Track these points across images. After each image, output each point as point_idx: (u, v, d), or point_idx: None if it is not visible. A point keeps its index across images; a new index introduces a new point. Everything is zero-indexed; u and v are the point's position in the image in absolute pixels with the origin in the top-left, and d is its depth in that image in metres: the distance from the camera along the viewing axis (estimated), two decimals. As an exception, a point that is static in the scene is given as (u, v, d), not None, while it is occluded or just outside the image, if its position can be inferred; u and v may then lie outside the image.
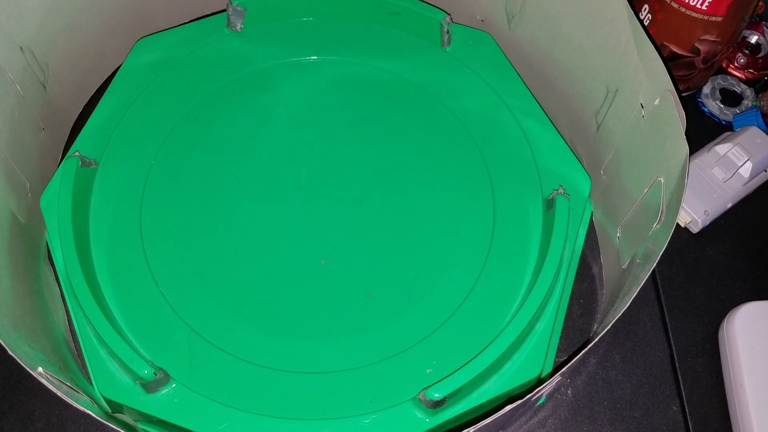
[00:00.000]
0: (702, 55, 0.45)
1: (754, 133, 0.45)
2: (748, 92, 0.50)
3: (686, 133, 0.32)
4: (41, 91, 0.41)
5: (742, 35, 0.51)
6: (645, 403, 0.38)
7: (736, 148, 0.44)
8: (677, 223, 0.40)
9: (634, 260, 0.36)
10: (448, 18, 0.44)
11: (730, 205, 0.44)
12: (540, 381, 0.35)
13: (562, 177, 0.40)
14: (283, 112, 0.43)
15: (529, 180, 0.40)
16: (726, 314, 0.40)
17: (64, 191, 0.37)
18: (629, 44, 0.36)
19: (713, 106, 0.49)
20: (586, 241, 0.41)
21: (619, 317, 0.30)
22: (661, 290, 0.42)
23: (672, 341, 0.40)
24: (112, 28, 0.45)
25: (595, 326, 0.40)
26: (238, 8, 0.45)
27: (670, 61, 0.45)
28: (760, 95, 0.49)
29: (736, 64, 0.50)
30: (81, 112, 0.46)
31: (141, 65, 0.44)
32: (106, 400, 0.34)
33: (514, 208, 0.40)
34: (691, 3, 0.41)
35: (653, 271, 0.40)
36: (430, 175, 0.41)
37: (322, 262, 0.38)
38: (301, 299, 0.37)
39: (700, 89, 0.50)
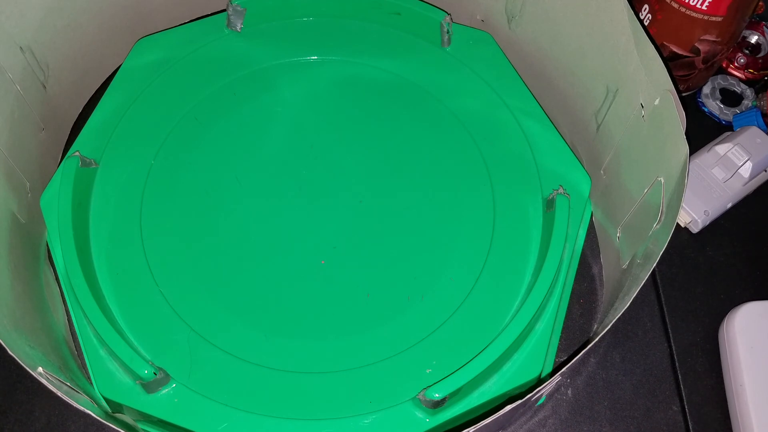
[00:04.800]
0: (702, 55, 0.45)
1: (754, 133, 0.45)
2: (748, 92, 0.50)
3: (686, 133, 0.32)
4: (41, 91, 0.41)
5: (742, 35, 0.51)
6: (645, 403, 0.38)
7: (736, 148, 0.44)
8: (677, 223, 0.40)
9: (634, 260, 0.36)
10: (448, 18, 0.44)
11: (730, 205, 0.44)
12: (540, 381, 0.35)
13: (562, 177, 0.40)
14: (283, 112, 0.43)
15: (529, 180, 0.40)
16: (726, 314, 0.40)
17: (64, 191, 0.37)
18: (629, 44, 0.36)
19: (713, 106, 0.49)
20: (586, 241, 0.41)
21: (619, 317, 0.30)
22: (661, 290, 0.42)
23: (672, 341, 0.40)
24: (112, 28, 0.45)
25: (595, 326, 0.40)
26: (238, 8, 0.45)
27: (670, 61, 0.45)
28: (760, 95, 0.49)
29: (736, 64, 0.50)
30: (81, 112, 0.46)
31: (141, 65, 0.44)
32: (106, 400, 0.34)
33: (514, 208, 0.40)
34: (691, 3, 0.41)
35: (653, 271, 0.40)
36: (430, 175, 0.41)
37: (322, 262, 0.38)
38: (301, 299, 0.37)
39: (700, 89, 0.50)
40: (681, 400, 0.39)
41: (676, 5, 0.42)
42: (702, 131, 0.48)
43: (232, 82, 0.44)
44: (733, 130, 0.47)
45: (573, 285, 0.39)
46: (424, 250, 0.39)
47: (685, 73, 0.47)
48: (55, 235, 0.36)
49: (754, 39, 0.51)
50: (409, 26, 0.46)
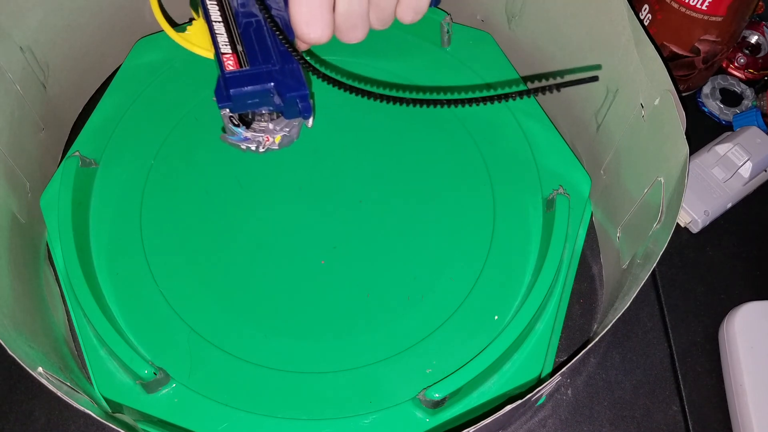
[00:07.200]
0: (702, 55, 0.45)
1: (754, 133, 0.45)
2: (748, 92, 0.50)
3: (686, 133, 0.32)
4: (41, 91, 0.41)
5: (742, 35, 0.51)
6: (645, 403, 0.38)
7: (736, 148, 0.44)
8: (677, 223, 0.40)
9: (634, 260, 0.36)
10: (448, 18, 0.44)
11: (730, 205, 0.44)
12: (540, 381, 0.35)
13: (562, 177, 0.40)
14: (283, 112, 0.43)
15: (529, 180, 0.40)
16: (726, 314, 0.40)
17: (64, 191, 0.37)
18: (629, 44, 0.36)
19: (713, 106, 0.49)
20: (586, 241, 0.41)
21: (619, 317, 0.30)
22: (661, 290, 0.42)
23: (672, 341, 0.40)
24: (112, 28, 0.45)
25: (595, 326, 0.40)
26: (238, 8, 0.44)
27: (670, 61, 0.45)
28: (760, 95, 0.49)
29: (736, 64, 0.50)
30: (81, 112, 0.46)
31: (141, 65, 0.44)
32: (106, 400, 0.34)
33: (514, 208, 0.40)
34: (691, 3, 0.41)
35: (653, 271, 0.40)
36: (430, 175, 0.41)
37: (322, 262, 0.38)
38: (301, 299, 0.37)
39: (700, 89, 0.50)
40: (681, 400, 0.39)
41: (676, 5, 0.42)
42: (702, 131, 0.48)
43: (232, 82, 0.44)
44: (733, 130, 0.47)
45: (573, 285, 0.39)
46: (424, 250, 0.39)
47: (685, 73, 0.47)
48: (55, 235, 0.36)
49: (754, 39, 0.51)
50: (409, 26, 0.46)
